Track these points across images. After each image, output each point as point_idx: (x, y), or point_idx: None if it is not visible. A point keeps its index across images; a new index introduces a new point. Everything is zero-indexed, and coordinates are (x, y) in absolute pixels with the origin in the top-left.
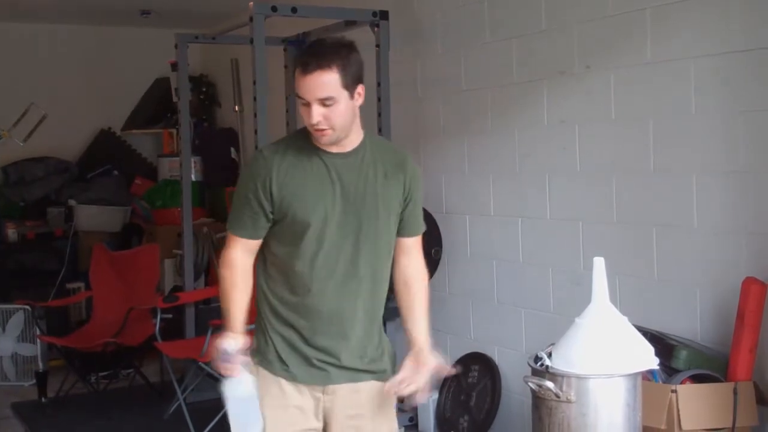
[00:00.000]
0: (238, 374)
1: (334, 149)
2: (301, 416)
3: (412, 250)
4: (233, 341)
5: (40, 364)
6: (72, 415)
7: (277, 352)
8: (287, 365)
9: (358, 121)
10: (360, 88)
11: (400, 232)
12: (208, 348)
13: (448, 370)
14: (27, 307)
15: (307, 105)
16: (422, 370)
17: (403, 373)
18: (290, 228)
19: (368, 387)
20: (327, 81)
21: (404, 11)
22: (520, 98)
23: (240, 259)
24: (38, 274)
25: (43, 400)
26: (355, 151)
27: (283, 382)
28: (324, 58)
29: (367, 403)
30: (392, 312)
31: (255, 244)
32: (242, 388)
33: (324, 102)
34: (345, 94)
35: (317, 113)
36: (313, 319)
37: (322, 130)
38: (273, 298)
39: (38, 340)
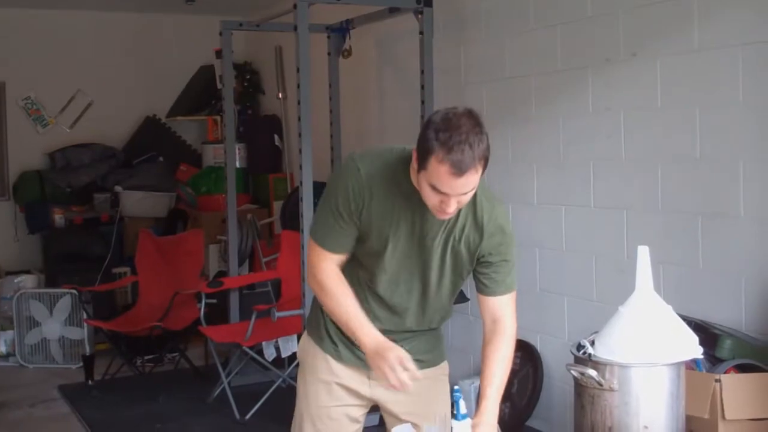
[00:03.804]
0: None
1: None
2: (345, 394)
3: (497, 312)
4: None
5: (87, 348)
6: (118, 397)
7: (327, 330)
8: (336, 345)
9: None
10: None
11: (481, 289)
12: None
13: None
14: (74, 291)
15: (443, 195)
16: None
17: None
18: (361, 251)
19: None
20: (475, 179)
21: None
22: (565, 85)
23: (331, 268)
24: (85, 259)
25: (89, 382)
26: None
27: (331, 359)
28: (475, 155)
29: (418, 390)
30: None
31: (342, 259)
32: None
33: (464, 194)
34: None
35: (454, 206)
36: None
37: (449, 213)
38: None
39: (85, 324)
